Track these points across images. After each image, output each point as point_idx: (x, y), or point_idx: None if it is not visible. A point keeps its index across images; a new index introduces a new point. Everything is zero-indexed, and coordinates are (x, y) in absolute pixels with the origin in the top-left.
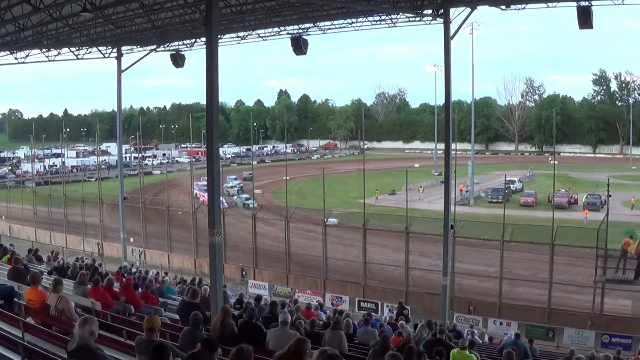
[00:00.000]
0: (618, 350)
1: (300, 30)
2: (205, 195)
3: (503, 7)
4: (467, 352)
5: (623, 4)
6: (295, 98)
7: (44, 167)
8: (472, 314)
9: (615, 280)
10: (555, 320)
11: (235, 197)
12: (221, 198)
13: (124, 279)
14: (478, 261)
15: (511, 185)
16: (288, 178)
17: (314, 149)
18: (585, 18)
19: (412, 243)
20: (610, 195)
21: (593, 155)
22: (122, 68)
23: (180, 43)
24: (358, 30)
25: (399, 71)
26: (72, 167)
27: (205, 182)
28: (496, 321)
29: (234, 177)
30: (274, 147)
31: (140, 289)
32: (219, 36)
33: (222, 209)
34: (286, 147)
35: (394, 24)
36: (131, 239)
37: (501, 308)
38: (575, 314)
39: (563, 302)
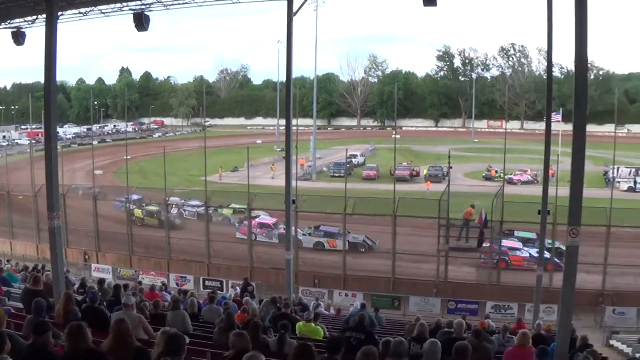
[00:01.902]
0: (464, 315)
1: (143, 6)
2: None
3: None
4: (313, 324)
5: None
6: (137, 76)
7: None
8: (318, 286)
9: (459, 248)
10: (400, 289)
11: None
12: None
13: None
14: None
15: (353, 160)
16: (129, 157)
17: (156, 127)
18: None
19: None
20: (451, 167)
21: (435, 128)
22: None
23: (21, 20)
24: (201, 6)
25: (242, 47)
26: None
27: None
28: (341, 293)
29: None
30: (115, 126)
31: None
32: (60, 12)
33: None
34: (127, 125)
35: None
36: None
37: (346, 280)
38: (421, 282)
39: (408, 271)
